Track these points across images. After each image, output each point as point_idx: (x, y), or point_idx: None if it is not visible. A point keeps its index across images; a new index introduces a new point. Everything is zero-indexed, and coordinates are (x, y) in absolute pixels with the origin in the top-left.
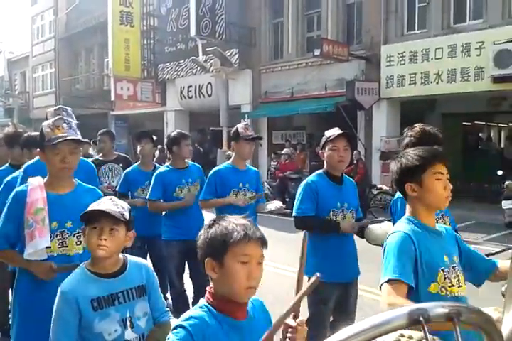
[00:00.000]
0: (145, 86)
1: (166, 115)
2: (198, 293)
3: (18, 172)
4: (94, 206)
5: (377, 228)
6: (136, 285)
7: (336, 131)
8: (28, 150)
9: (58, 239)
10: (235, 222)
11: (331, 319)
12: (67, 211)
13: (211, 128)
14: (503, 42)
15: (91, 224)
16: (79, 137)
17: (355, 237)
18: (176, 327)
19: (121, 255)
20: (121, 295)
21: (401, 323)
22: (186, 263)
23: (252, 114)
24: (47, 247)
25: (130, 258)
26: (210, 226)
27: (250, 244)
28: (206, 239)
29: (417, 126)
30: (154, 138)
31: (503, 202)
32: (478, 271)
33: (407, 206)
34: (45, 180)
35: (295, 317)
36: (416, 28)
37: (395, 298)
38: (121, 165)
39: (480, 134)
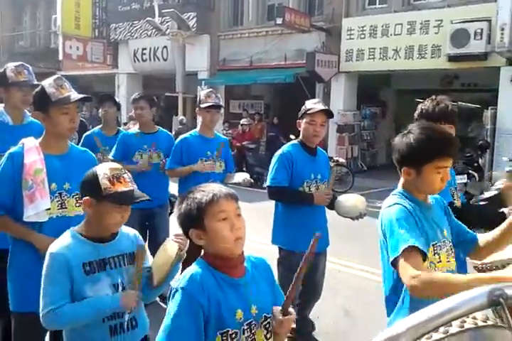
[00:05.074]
0: (96, 46)
1: (118, 78)
2: None
3: None
4: None
5: (344, 200)
6: (127, 252)
7: (317, 105)
8: None
9: (57, 201)
10: (201, 189)
11: (300, 288)
12: (65, 172)
13: (166, 94)
14: (461, 22)
15: None
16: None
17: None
18: (175, 291)
19: None
20: (112, 261)
21: (480, 304)
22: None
23: (210, 81)
24: (47, 209)
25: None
26: (180, 203)
27: (221, 201)
28: (181, 214)
29: (433, 99)
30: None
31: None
32: (465, 243)
33: (401, 178)
34: (40, 140)
35: (285, 312)
36: (377, 3)
37: (414, 270)
38: None
39: None
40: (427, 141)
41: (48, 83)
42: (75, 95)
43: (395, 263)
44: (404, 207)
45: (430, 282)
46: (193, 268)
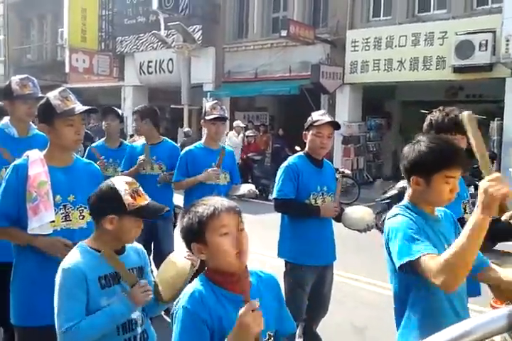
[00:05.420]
0: (102, 59)
1: (124, 90)
2: None
3: None
4: None
5: (350, 212)
6: (136, 266)
7: (323, 117)
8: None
9: (62, 213)
10: (203, 203)
11: (306, 303)
12: (69, 184)
13: (171, 106)
14: (465, 34)
15: None
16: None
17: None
18: (177, 310)
19: None
20: None
21: (500, 327)
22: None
23: (215, 93)
24: (51, 221)
25: None
26: (183, 217)
27: (223, 215)
28: (184, 228)
29: (442, 109)
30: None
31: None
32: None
33: (408, 189)
34: (45, 152)
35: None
36: (381, 15)
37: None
38: None
39: None
40: (437, 150)
41: (53, 95)
42: (79, 107)
43: (402, 268)
44: (407, 217)
45: (444, 265)
46: (194, 285)
